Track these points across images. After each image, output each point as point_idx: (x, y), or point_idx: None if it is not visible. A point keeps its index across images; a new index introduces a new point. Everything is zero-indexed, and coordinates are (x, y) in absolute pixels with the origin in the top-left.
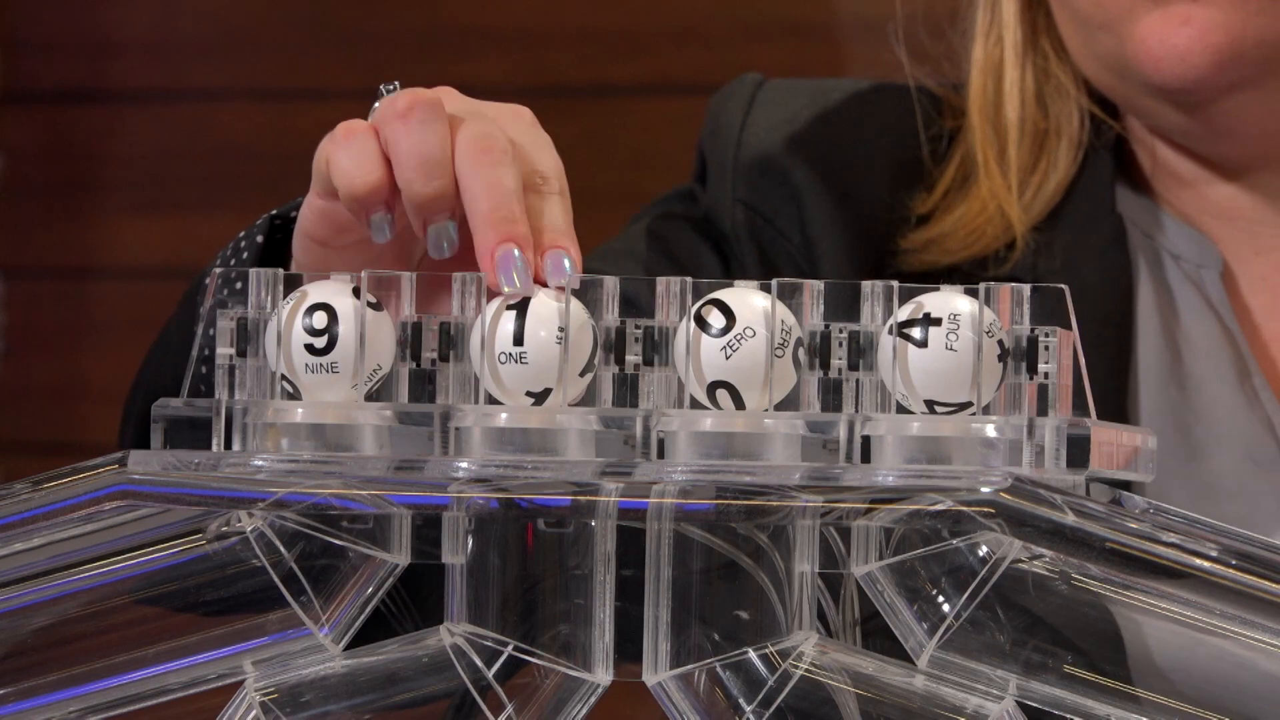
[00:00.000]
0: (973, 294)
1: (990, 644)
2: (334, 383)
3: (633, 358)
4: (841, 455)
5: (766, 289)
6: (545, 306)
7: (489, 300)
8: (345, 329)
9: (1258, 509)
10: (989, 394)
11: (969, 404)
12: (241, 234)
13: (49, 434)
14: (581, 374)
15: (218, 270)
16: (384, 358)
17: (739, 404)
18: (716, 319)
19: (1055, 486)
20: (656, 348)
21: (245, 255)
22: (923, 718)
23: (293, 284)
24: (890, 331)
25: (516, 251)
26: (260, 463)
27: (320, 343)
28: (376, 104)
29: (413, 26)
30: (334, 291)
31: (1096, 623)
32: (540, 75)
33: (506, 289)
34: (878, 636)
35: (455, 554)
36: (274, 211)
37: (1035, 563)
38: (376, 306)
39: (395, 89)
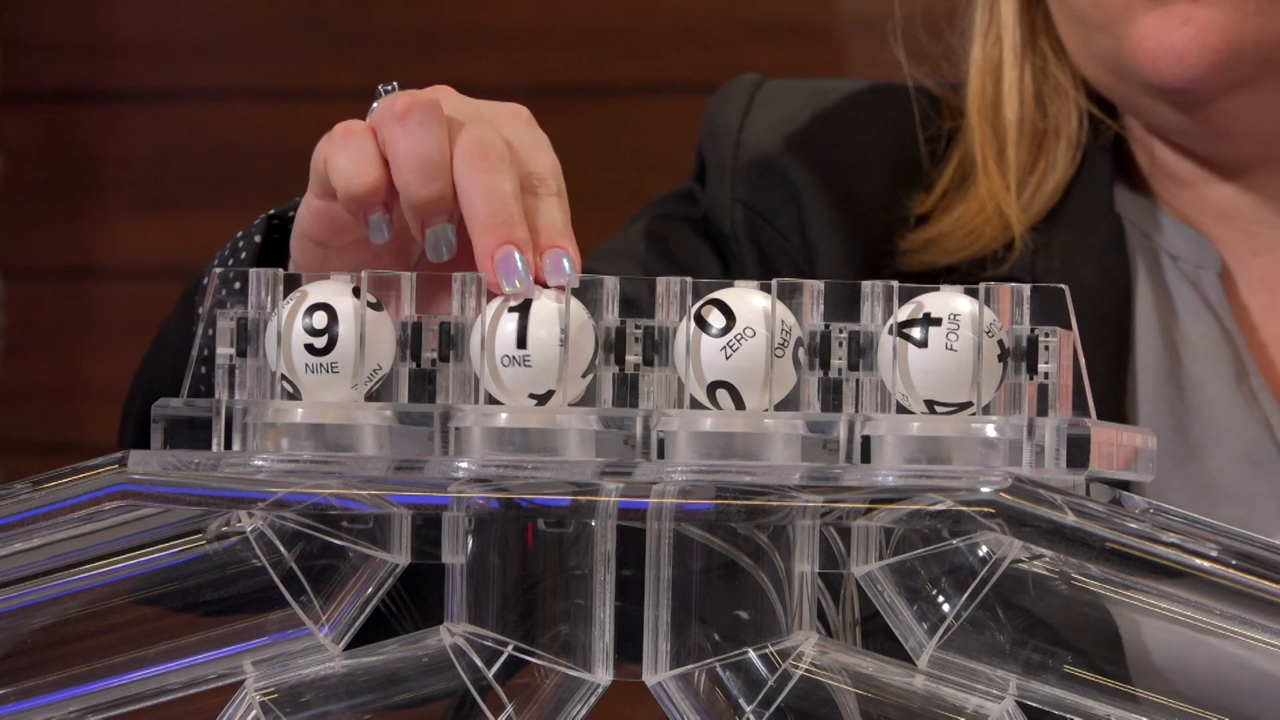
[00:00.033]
0: (973, 294)
1: (990, 644)
2: (334, 383)
3: (633, 358)
4: (841, 455)
5: (766, 289)
6: (547, 309)
7: (488, 300)
8: (345, 329)
9: (1256, 509)
10: (989, 394)
11: (969, 404)
12: (239, 234)
13: (49, 434)
14: (583, 375)
15: (217, 270)
16: (384, 358)
17: (739, 404)
18: (716, 319)
19: (1055, 486)
20: (656, 348)
21: (243, 255)
22: (923, 718)
23: (293, 284)
24: (890, 331)
25: (517, 253)
26: (260, 463)
27: (320, 343)
28: (375, 104)
29: (413, 26)
30: (334, 291)
31: (1096, 623)
32: (540, 75)
33: (507, 290)
34: (878, 636)
35: (455, 554)
36: (272, 211)
37: (1035, 563)
38: (376, 306)
39: (394, 89)
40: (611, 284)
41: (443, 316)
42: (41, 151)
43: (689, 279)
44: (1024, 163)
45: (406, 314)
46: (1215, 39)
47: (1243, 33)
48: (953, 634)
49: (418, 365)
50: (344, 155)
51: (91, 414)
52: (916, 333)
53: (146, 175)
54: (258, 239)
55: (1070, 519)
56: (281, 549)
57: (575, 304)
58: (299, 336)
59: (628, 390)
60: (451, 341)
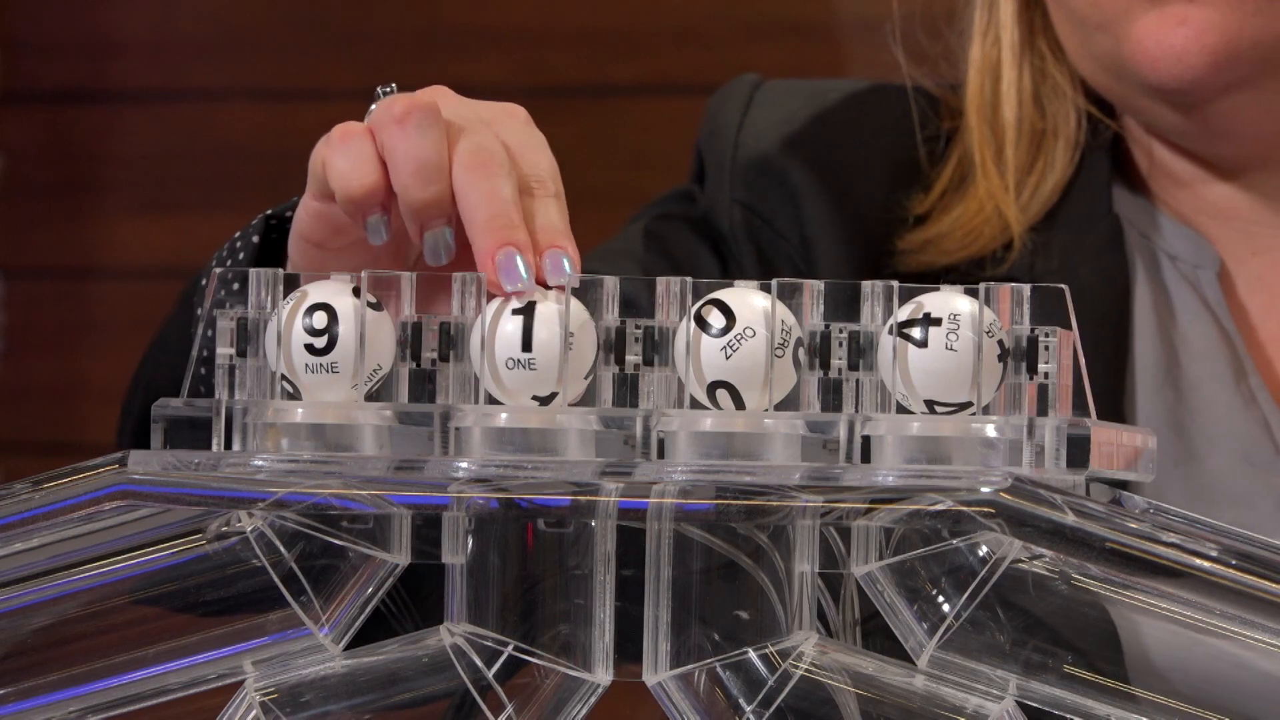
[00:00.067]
0: (973, 294)
1: (990, 644)
2: (334, 383)
3: (633, 358)
4: (841, 455)
5: (766, 289)
6: (551, 311)
7: (488, 301)
8: (345, 329)
9: (1254, 510)
10: (989, 394)
11: (969, 404)
12: (237, 234)
13: (49, 434)
14: (585, 375)
15: (217, 271)
16: (384, 358)
17: (739, 404)
18: (716, 319)
19: (1055, 486)
20: (656, 348)
21: (241, 256)
22: (923, 718)
23: (292, 284)
24: (890, 331)
25: (518, 253)
26: (260, 463)
27: (320, 343)
28: (373, 106)
29: (413, 26)
30: (334, 291)
31: (1096, 623)
32: (540, 75)
33: (509, 289)
34: (878, 636)
35: (455, 554)
36: (269, 211)
37: (1035, 563)
38: (376, 306)
39: (392, 91)
40: (611, 284)
41: (443, 316)
42: (41, 151)
43: (689, 279)
44: (1022, 163)
45: (406, 314)
46: (1213, 39)
47: (1240, 33)
48: (953, 634)
49: (418, 365)
50: (342, 158)
51: (91, 414)
52: (916, 333)
53: (146, 175)
54: (255, 239)
55: (1070, 519)
56: (281, 549)
57: (576, 304)
58: (299, 336)
59: (628, 390)
60: (451, 341)
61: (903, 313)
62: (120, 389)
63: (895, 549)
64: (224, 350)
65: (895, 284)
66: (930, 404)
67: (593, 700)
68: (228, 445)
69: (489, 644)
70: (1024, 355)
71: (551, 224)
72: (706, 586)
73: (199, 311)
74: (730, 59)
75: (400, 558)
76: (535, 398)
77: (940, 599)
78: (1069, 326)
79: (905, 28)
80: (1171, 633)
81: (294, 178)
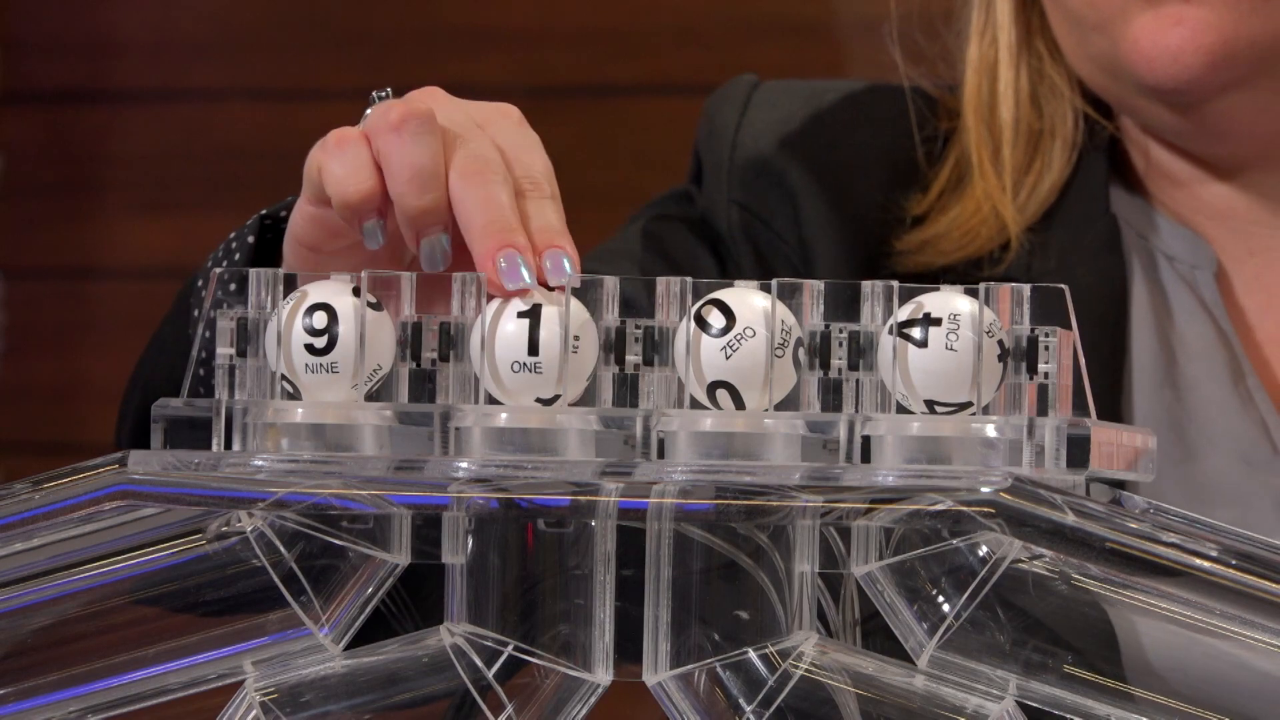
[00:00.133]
0: (973, 294)
1: (990, 644)
2: (334, 383)
3: (633, 358)
4: (841, 455)
5: (766, 289)
6: (556, 314)
7: (488, 301)
8: (345, 329)
9: (1251, 510)
10: (989, 394)
11: (969, 404)
12: (232, 235)
13: (49, 434)
14: (588, 376)
15: (217, 271)
16: (384, 358)
17: (739, 404)
18: (716, 319)
19: (1055, 486)
20: (656, 348)
21: (237, 257)
22: (923, 718)
23: (292, 284)
24: (890, 331)
25: (519, 254)
26: (260, 463)
27: (320, 343)
28: (368, 110)
29: (412, 26)
30: (334, 291)
31: (1097, 623)
32: (539, 75)
33: (511, 288)
34: (878, 636)
35: (455, 554)
36: (263, 211)
37: (1035, 563)
38: (376, 306)
39: (387, 96)
40: (612, 284)
41: (443, 316)
42: (41, 151)
43: (689, 279)
44: (1020, 163)
45: (406, 314)
46: (1210, 39)
47: (1237, 33)
48: (953, 634)
49: (418, 365)
50: (339, 163)
51: (91, 414)
52: (916, 333)
53: (146, 175)
54: (251, 239)
55: (1070, 519)
56: (281, 549)
57: (577, 305)
58: (299, 336)
59: (628, 390)
60: (451, 341)
61: (903, 313)
62: (120, 389)
63: (895, 549)
64: (224, 350)
65: (895, 284)
66: (930, 404)
67: (593, 700)
68: (228, 445)
69: (489, 644)
70: (1024, 355)
71: (549, 224)
72: (706, 586)
73: (196, 313)
74: (730, 59)
75: (400, 558)
76: (538, 399)
77: (940, 599)
78: (1069, 326)
79: (903, 28)
80: (1170, 633)
81: (294, 178)
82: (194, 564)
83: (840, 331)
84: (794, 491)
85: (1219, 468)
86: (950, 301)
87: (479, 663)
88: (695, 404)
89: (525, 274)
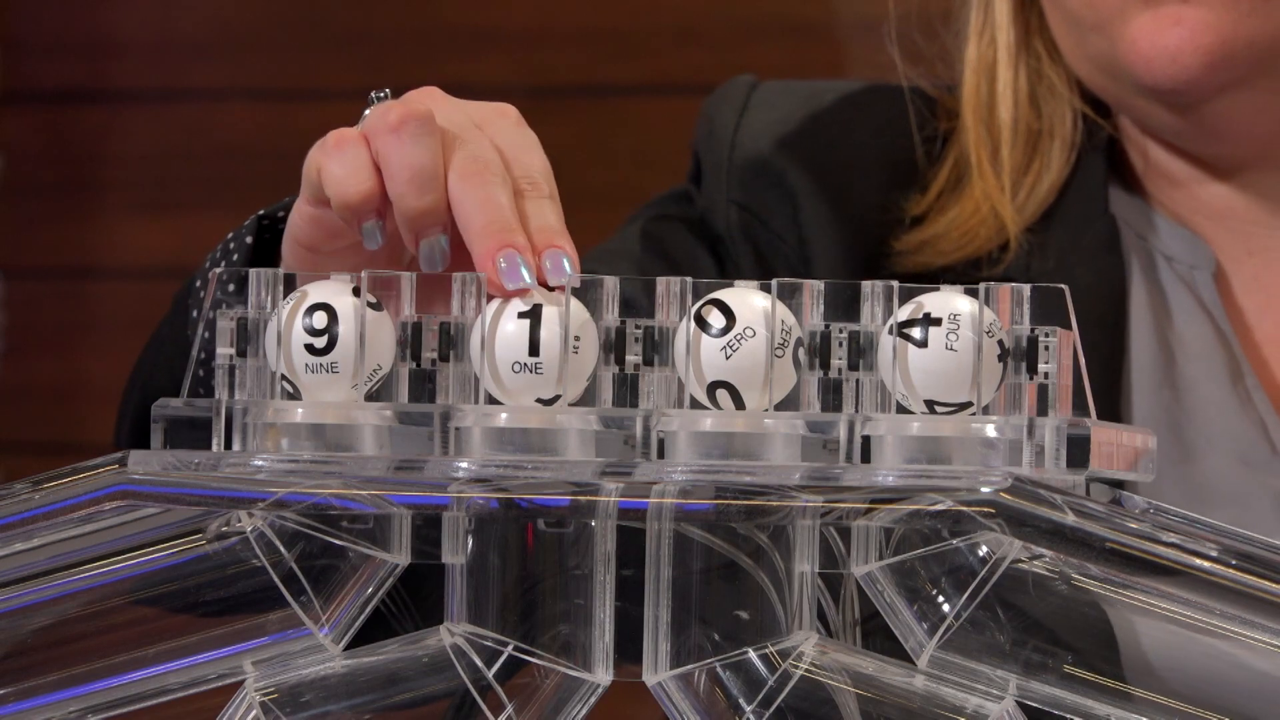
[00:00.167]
0: (973, 294)
1: (990, 644)
2: (334, 383)
3: (633, 358)
4: (841, 455)
5: (766, 289)
6: (556, 314)
7: (488, 301)
8: (345, 329)
9: (1250, 510)
10: (989, 394)
11: (969, 404)
12: (230, 235)
13: (49, 434)
14: (588, 376)
15: (216, 271)
16: (384, 358)
17: (739, 404)
18: (716, 319)
19: (1055, 486)
20: (656, 348)
21: (235, 257)
22: (923, 718)
23: (292, 284)
24: (890, 331)
25: (519, 254)
26: (260, 463)
27: (320, 343)
28: (366, 111)
29: (412, 26)
30: (334, 291)
31: (1097, 623)
32: (539, 75)
33: (511, 288)
34: (878, 636)
35: (455, 554)
36: (261, 212)
37: (1035, 563)
38: (376, 306)
39: (386, 96)
40: (612, 284)
41: (443, 316)
42: (41, 151)
43: (689, 279)
44: (1019, 163)
45: (406, 314)
46: (1208, 39)
47: (1235, 33)
48: (953, 634)
49: (418, 365)
50: (338, 164)
51: (91, 414)
52: (916, 333)
53: (146, 175)
54: (249, 239)
55: (1070, 519)
56: (281, 549)
57: (577, 305)
58: (299, 336)
59: (628, 390)
60: (451, 341)
61: (903, 313)
62: (120, 389)
63: (895, 549)
64: (224, 350)
65: (895, 284)
66: (930, 404)
67: (593, 700)
68: (228, 445)
69: (489, 644)
70: (1024, 355)
71: (548, 224)
72: (706, 586)
73: (195, 313)
74: (730, 59)
75: (400, 558)
76: (539, 400)
77: (940, 599)
78: (1069, 326)
79: (901, 28)
80: (1170, 633)
81: (294, 178)
82: (194, 564)
83: (840, 331)
84: (794, 491)
85: (1217, 468)
86: (950, 301)
87: (479, 663)
88: (695, 404)
89: (525, 274)
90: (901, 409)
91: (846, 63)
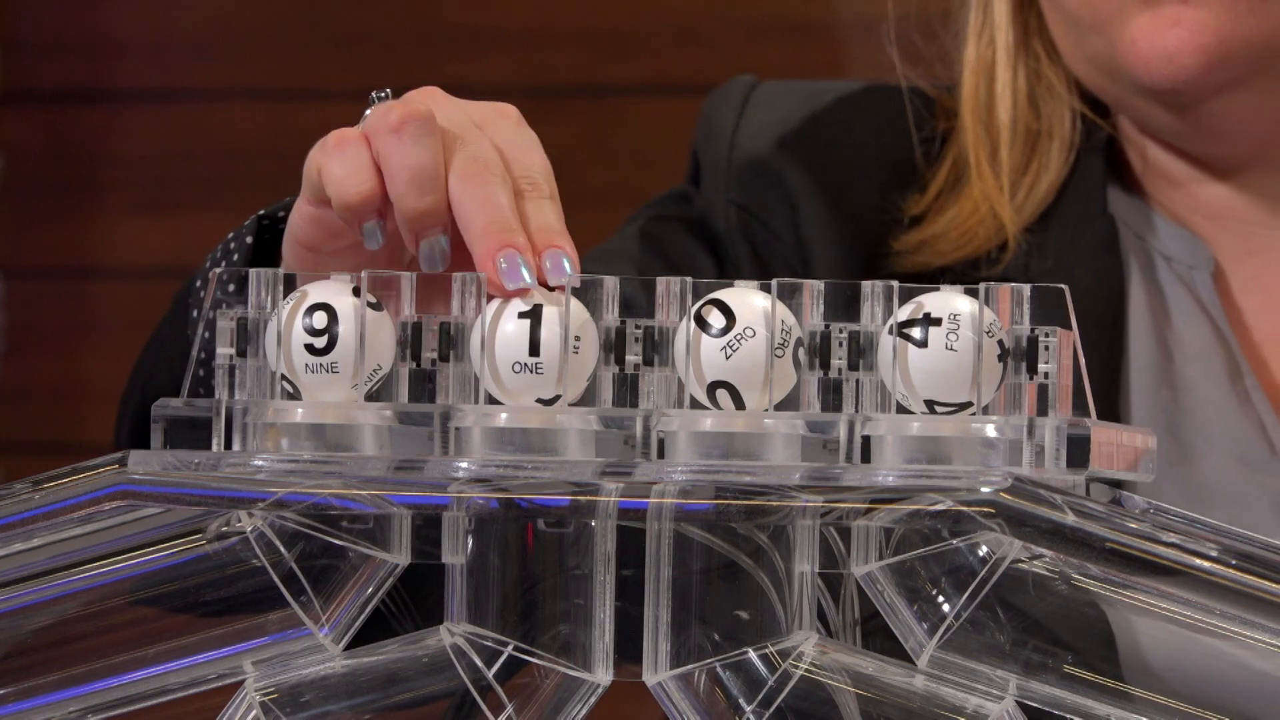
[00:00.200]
0: (973, 294)
1: (990, 644)
2: (334, 383)
3: (633, 358)
4: (841, 455)
5: (766, 289)
6: (556, 314)
7: (488, 301)
8: (345, 329)
9: (1248, 510)
10: (989, 394)
11: (969, 404)
12: (230, 236)
13: (49, 434)
14: (589, 377)
15: (216, 271)
16: (384, 358)
17: (739, 404)
18: (716, 319)
19: (1055, 486)
20: (656, 348)
21: (235, 257)
22: (923, 718)
23: (292, 284)
24: (890, 331)
25: (519, 254)
26: (260, 463)
27: (320, 343)
28: (367, 111)
29: (412, 26)
30: (334, 291)
31: (1097, 623)
32: (539, 75)
33: (511, 288)
34: (878, 636)
35: (455, 554)
36: (262, 212)
37: (1035, 563)
38: (376, 306)
39: (387, 96)
40: (612, 284)
41: (443, 316)
42: (41, 151)
43: (689, 279)
44: (1017, 163)
45: (406, 314)
46: (1206, 40)
47: (1234, 33)
48: (953, 634)
49: (418, 365)
50: (338, 164)
51: (91, 414)
52: (916, 333)
53: (146, 175)
54: (249, 239)
55: (1070, 519)
56: (281, 549)
57: (577, 305)
58: (299, 336)
59: (628, 390)
60: (451, 341)
61: (903, 313)
62: (120, 389)
63: (895, 549)
64: (224, 350)
65: (895, 284)
66: (930, 404)
67: (593, 700)
68: (228, 445)
69: (489, 644)
70: (1024, 355)
71: (548, 224)
72: (706, 586)
73: (195, 313)
74: (730, 59)
75: (400, 558)
76: (539, 400)
77: (940, 599)
78: (1069, 326)
79: (900, 28)
80: (1170, 633)
81: (294, 178)
82: (194, 564)
83: (840, 331)
84: (794, 491)
85: (1216, 468)
86: (950, 301)
87: (479, 663)
88: (695, 404)
89: (525, 274)
90: (901, 409)
91: (846, 63)
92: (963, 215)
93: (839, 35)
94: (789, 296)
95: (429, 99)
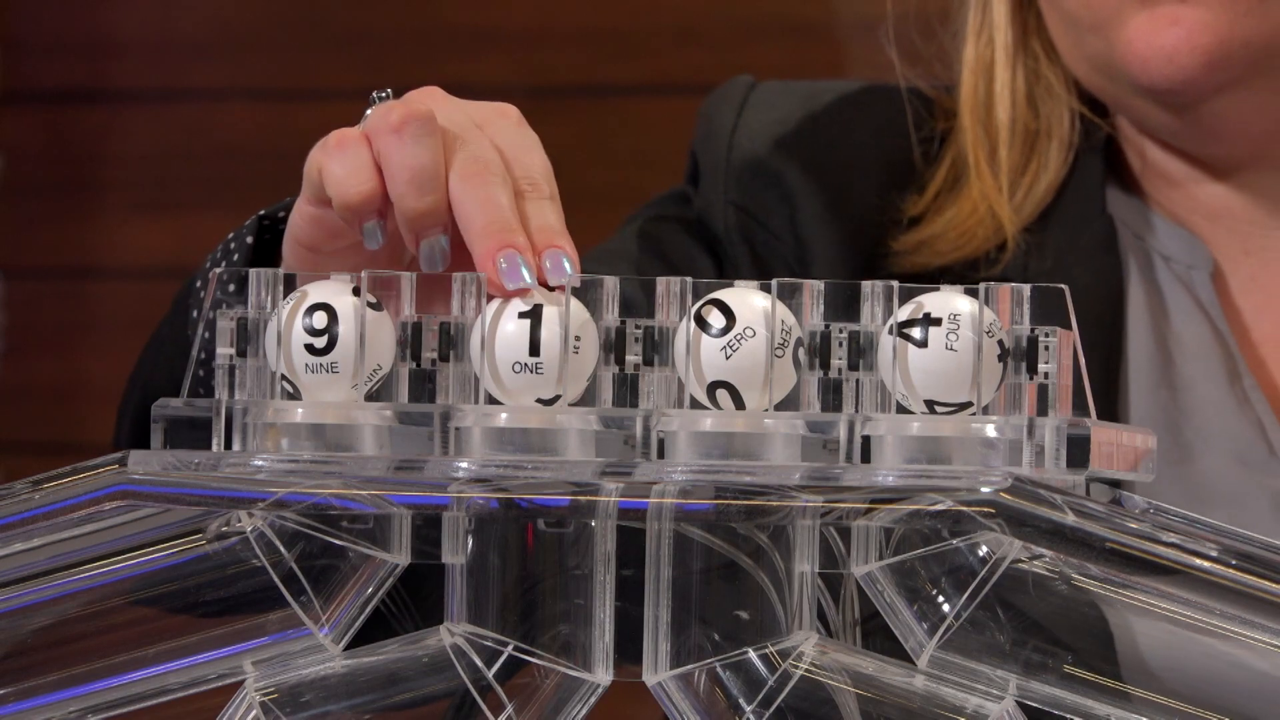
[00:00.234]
0: (973, 294)
1: (990, 644)
2: (334, 383)
3: (633, 358)
4: (841, 455)
5: (766, 289)
6: (556, 314)
7: (488, 301)
8: (345, 329)
9: (1247, 510)
10: (989, 394)
11: (969, 404)
12: (230, 236)
13: (49, 434)
14: (589, 377)
15: (216, 271)
16: (384, 358)
17: (739, 404)
18: (716, 319)
19: (1055, 486)
20: (656, 348)
21: (235, 257)
22: (923, 718)
23: (292, 284)
24: (890, 331)
25: (519, 254)
26: (260, 463)
27: (320, 343)
28: (368, 111)
29: (412, 26)
30: (334, 291)
31: (1097, 623)
32: (539, 75)
33: (511, 288)
34: (878, 636)
35: (455, 554)
36: (261, 212)
37: (1035, 563)
38: (376, 306)
39: (387, 96)
40: (612, 284)
41: (443, 316)
42: (41, 151)
43: (689, 279)
44: (1016, 163)
45: (406, 314)
46: (1205, 40)
47: (1232, 33)
48: (953, 634)
49: (418, 365)
50: (339, 164)
51: (91, 414)
52: (916, 333)
53: (146, 175)
54: (249, 240)
55: (1070, 519)
56: (281, 549)
57: (577, 305)
58: (299, 336)
59: (628, 390)
60: (451, 341)
61: (903, 313)
62: (120, 389)
63: (895, 549)
64: (224, 350)
65: (895, 284)
66: (930, 404)
67: (593, 700)
68: (228, 445)
69: (489, 644)
70: (1024, 355)
71: (548, 225)
72: (706, 586)
73: (195, 313)
74: (730, 59)
75: (400, 558)
76: (539, 400)
77: (940, 599)
78: (1069, 326)
79: (899, 28)
80: (1170, 633)
81: (294, 178)
82: (194, 564)
83: (840, 331)
84: (794, 491)
85: (1215, 468)
86: (950, 301)
87: (479, 663)
88: (695, 404)
89: (525, 274)
90: (901, 409)
91: (846, 63)
92: (961, 215)
93: (839, 35)
94: (789, 296)
95: (429, 99)
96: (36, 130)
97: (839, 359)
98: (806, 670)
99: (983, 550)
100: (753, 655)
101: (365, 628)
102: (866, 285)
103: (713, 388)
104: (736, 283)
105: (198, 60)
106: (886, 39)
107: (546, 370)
